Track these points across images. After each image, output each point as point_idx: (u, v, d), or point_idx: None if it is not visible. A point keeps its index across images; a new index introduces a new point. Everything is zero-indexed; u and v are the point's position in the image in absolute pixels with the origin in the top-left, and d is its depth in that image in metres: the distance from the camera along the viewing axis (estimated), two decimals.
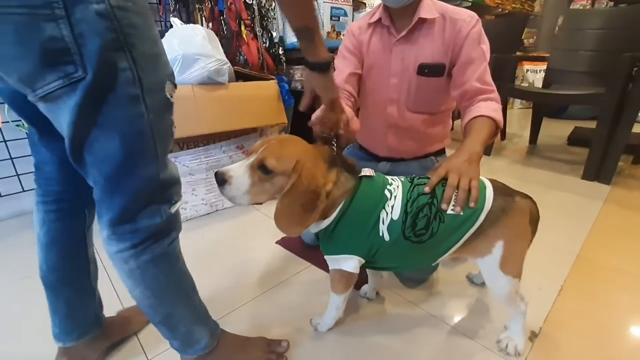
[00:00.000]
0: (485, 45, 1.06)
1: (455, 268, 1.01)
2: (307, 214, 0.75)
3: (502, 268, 0.83)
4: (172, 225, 0.71)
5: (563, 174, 2.33)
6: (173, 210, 0.69)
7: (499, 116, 0.99)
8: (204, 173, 1.63)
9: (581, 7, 4.40)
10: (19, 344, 0.99)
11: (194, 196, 1.64)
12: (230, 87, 1.61)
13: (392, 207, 0.80)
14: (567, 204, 1.88)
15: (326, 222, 0.81)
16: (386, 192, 0.81)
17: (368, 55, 1.18)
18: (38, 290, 1.17)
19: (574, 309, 1.10)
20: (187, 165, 1.57)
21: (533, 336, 0.98)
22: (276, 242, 1.47)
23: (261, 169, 0.74)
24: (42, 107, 0.56)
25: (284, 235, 1.46)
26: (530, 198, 0.87)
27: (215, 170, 0.76)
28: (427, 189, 0.82)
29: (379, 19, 1.13)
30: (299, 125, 2.01)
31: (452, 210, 0.79)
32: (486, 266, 0.85)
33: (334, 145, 0.86)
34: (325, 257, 0.87)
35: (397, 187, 0.83)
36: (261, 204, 0.80)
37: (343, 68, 1.18)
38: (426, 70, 1.10)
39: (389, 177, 0.86)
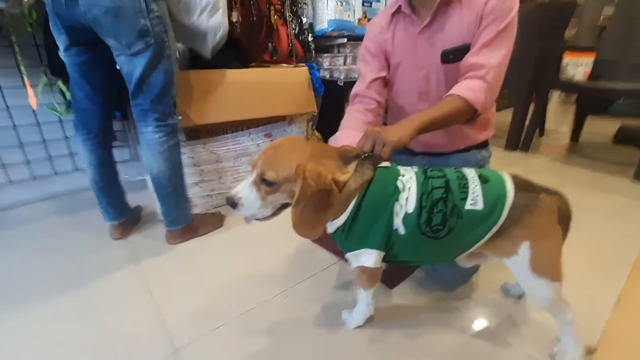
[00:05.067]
0: (503, 20, 0.92)
1: (472, 265, 0.93)
2: (323, 213, 0.74)
3: (534, 270, 0.76)
4: (178, 129, 1.28)
5: (610, 175, 2.16)
6: (180, 118, 1.26)
7: (473, 95, 0.90)
8: (231, 161, 1.60)
9: None
10: (56, 324, 0.99)
11: (221, 184, 1.61)
12: (260, 73, 1.56)
13: (407, 199, 0.76)
14: (617, 208, 1.72)
15: (341, 220, 0.79)
16: (398, 183, 0.78)
17: (394, 52, 1.10)
18: (71, 272, 1.19)
19: (633, 321, 0.99)
20: (214, 152, 1.53)
21: (591, 351, 0.88)
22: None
23: (264, 183, 0.75)
24: (125, 59, 1.09)
25: None
26: (559, 194, 0.79)
27: (225, 197, 0.79)
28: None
29: (399, 7, 1.04)
30: (327, 114, 1.94)
31: (471, 205, 0.75)
32: (515, 268, 0.80)
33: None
34: (347, 255, 0.85)
35: (410, 178, 0.79)
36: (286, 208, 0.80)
37: (365, 73, 1.14)
38: (451, 56, 1.00)
39: (401, 168, 0.82)
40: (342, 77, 2.24)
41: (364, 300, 0.92)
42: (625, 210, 1.70)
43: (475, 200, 0.76)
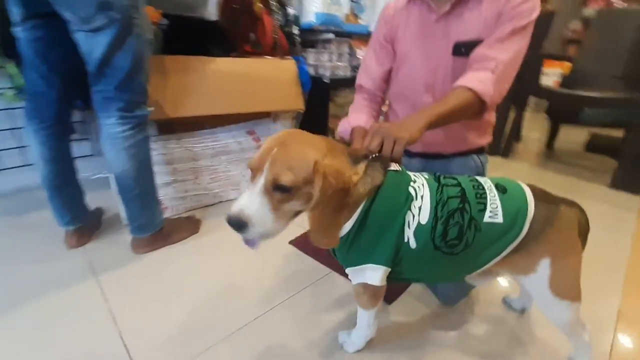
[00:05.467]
0: (522, 19, 0.87)
1: (483, 284, 0.86)
2: (340, 216, 0.64)
3: (554, 290, 0.70)
4: (148, 122, 1.11)
5: (587, 182, 2.21)
6: (150, 109, 1.09)
7: (482, 87, 0.84)
8: (208, 159, 1.44)
9: (620, 7, 4.11)
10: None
11: (197, 184, 1.45)
12: (244, 64, 1.42)
13: (420, 208, 0.68)
14: (599, 215, 1.74)
15: (345, 229, 0.68)
16: (410, 190, 0.69)
17: (404, 38, 1.03)
18: (17, 286, 1.12)
19: None
20: (190, 149, 1.37)
21: None
22: (289, 242, 1.30)
23: (278, 190, 0.60)
24: (84, 36, 0.92)
25: (298, 234, 1.30)
26: (578, 205, 0.74)
27: (226, 215, 0.60)
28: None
29: None
30: (312, 113, 1.82)
31: (490, 218, 0.67)
32: (533, 287, 0.73)
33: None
34: (346, 270, 0.75)
35: (423, 185, 0.71)
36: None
37: (372, 66, 1.09)
38: (463, 49, 0.94)
39: (410, 173, 0.74)
40: (328, 74, 2.14)
41: (365, 321, 0.82)
42: (606, 217, 1.72)
43: (494, 212, 0.69)
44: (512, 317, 1.00)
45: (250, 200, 0.59)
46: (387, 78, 1.10)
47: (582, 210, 0.74)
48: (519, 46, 0.89)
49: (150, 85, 1.08)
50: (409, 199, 0.68)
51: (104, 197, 1.49)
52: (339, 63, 2.21)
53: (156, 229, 1.19)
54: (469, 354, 0.87)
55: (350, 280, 0.76)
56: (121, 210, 1.29)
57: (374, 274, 0.70)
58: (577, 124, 3.78)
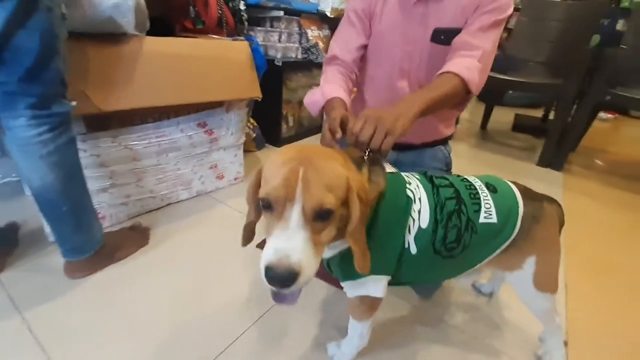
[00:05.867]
0: (500, 13, 0.87)
1: (469, 282, 0.89)
2: (364, 230, 0.57)
3: (537, 286, 0.74)
4: (72, 119, 0.88)
5: (517, 160, 2.44)
6: (73, 104, 0.87)
7: (470, 74, 0.83)
8: (154, 158, 1.24)
9: None
10: None
11: (140, 187, 1.25)
12: (191, 45, 1.21)
13: (419, 212, 0.65)
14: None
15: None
16: (408, 192, 0.66)
17: (382, 17, 0.98)
18: None
19: (589, 307, 1.08)
20: (130, 148, 1.16)
21: (564, 345, 0.91)
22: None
23: (320, 218, 0.49)
24: None
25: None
26: (556, 201, 0.78)
27: (266, 270, 0.46)
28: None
29: None
30: (264, 98, 1.68)
31: (485, 218, 0.67)
32: (517, 282, 0.76)
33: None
34: (343, 283, 0.70)
35: (418, 187, 0.68)
36: None
37: (349, 37, 1.02)
38: (442, 36, 0.93)
39: (403, 174, 0.71)
40: (279, 56, 1.99)
41: (359, 333, 0.78)
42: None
43: (489, 212, 0.68)
44: (482, 302, 1.05)
45: (292, 241, 0.46)
46: (363, 53, 1.04)
47: (560, 207, 0.77)
48: (497, 38, 0.90)
49: (70, 72, 0.86)
50: (409, 203, 0.64)
51: (17, 207, 1.21)
52: (290, 44, 2.06)
53: (96, 248, 0.99)
54: (453, 346, 0.89)
55: (346, 293, 0.71)
56: (45, 222, 1.06)
57: (378, 286, 0.67)
58: (502, 105, 4.20)
